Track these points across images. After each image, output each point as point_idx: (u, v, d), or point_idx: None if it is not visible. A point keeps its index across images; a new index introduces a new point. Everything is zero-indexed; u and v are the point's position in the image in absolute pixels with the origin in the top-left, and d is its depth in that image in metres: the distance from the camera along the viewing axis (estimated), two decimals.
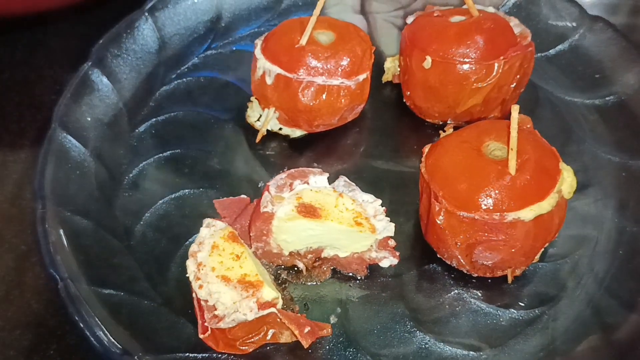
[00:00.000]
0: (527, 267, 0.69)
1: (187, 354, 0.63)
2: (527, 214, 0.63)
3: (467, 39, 0.77)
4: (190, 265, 0.63)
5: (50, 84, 0.95)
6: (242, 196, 0.75)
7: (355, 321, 0.67)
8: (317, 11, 0.78)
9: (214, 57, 0.94)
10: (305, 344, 0.61)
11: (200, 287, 0.61)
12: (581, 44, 0.90)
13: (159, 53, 0.91)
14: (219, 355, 0.63)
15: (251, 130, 0.84)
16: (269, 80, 0.79)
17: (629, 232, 0.72)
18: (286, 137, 0.83)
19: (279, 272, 0.70)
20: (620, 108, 0.83)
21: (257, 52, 0.81)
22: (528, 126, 0.71)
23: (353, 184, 0.70)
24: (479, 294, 0.69)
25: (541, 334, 0.66)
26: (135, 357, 0.59)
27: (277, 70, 0.78)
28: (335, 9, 0.98)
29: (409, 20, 0.85)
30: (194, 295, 0.62)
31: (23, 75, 0.96)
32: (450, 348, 0.65)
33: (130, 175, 0.79)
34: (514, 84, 0.79)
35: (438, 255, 0.71)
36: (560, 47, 0.91)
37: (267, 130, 0.83)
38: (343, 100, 0.79)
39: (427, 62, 0.78)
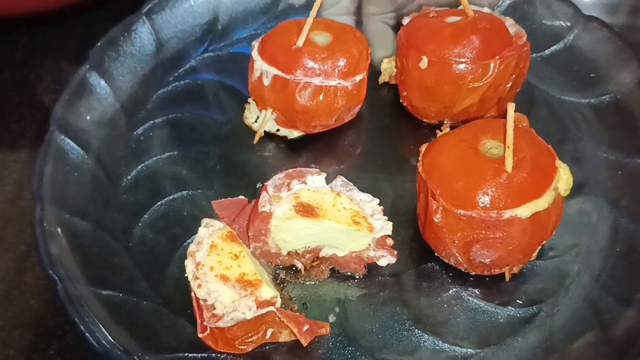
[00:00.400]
0: (525, 265, 0.70)
1: (187, 353, 0.63)
2: (524, 211, 0.63)
3: (463, 39, 0.77)
4: (189, 264, 0.63)
5: (50, 84, 0.95)
6: (240, 197, 0.75)
7: (353, 320, 0.67)
8: (313, 12, 0.78)
9: (211, 59, 0.94)
10: (304, 342, 0.61)
11: (199, 286, 0.61)
12: (576, 43, 0.90)
13: (156, 56, 0.91)
14: (218, 355, 0.63)
15: (249, 132, 0.84)
16: (266, 82, 0.79)
17: (625, 229, 0.73)
18: (284, 138, 0.84)
19: (277, 271, 0.70)
20: (615, 107, 0.84)
21: (254, 53, 0.81)
22: (524, 124, 0.71)
23: (350, 183, 0.70)
24: (477, 292, 0.69)
25: (539, 331, 0.66)
26: (135, 357, 0.59)
27: (274, 71, 0.78)
28: (331, 10, 0.99)
29: (405, 21, 0.85)
30: (192, 294, 0.62)
31: (23, 75, 0.97)
32: (449, 345, 0.65)
33: (129, 176, 0.79)
34: (510, 83, 0.79)
35: (436, 254, 0.71)
36: (555, 47, 0.91)
37: (265, 132, 0.83)
38: (340, 101, 0.79)
39: (424, 62, 0.78)
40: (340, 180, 0.71)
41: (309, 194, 0.68)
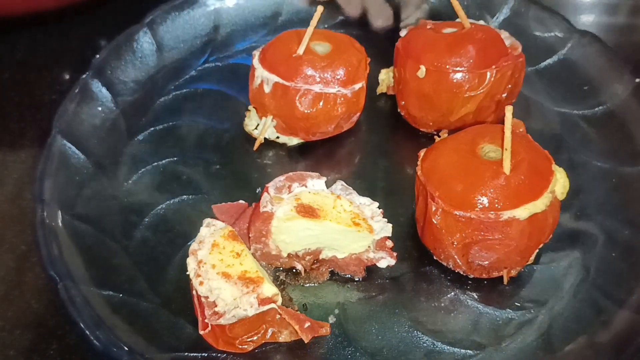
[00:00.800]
0: (523, 268, 0.70)
1: (187, 353, 0.63)
2: (522, 212, 0.64)
3: (459, 49, 0.79)
4: (191, 262, 0.63)
5: (50, 84, 0.96)
6: (240, 201, 0.76)
7: (353, 321, 0.67)
8: (313, 22, 0.80)
9: (212, 70, 0.96)
10: (306, 338, 0.62)
11: (201, 283, 0.61)
12: (569, 57, 0.92)
13: (157, 66, 0.93)
14: (219, 355, 0.63)
15: (249, 139, 0.85)
16: (267, 89, 0.80)
17: (621, 234, 0.74)
18: (283, 145, 0.85)
19: (277, 273, 0.71)
20: (609, 117, 0.85)
21: (255, 62, 0.82)
22: (521, 130, 0.73)
23: (350, 187, 0.71)
24: (475, 295, 0.70)
25: (537, 333, 0.66)
26: (135, 357, 0.59)
27: (275, 78, 0.80)
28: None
29: (403, 33, 0.87)
30: (193, 292, 0.63)
31: (23, 75, 0.97)
32: (448, 347, 0.65)
33: (129, 181, 0.80)
34: (506, 93, 0.81)
35: (435, 258, 0.72)
36: (549, 60, 0.93)
37: (265, 139, 0.84)
38: (339, 109, 0.80)
39: (421, 72, 0.80)
40: (340, 184, 0.72)
41: (310, 196, 0.69)
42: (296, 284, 0.70)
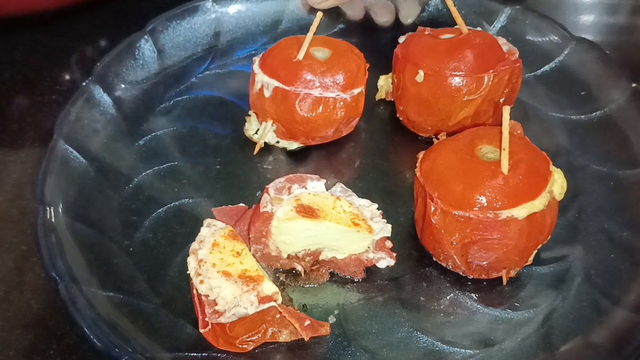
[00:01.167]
0: (521, 268, 0.71)
1: (187, 353, 0.63)
2: (521, 211, 0.65)
3: (457, 54, 0.80)
4: (191, 262, 0.63)
5: (50, 84, 0.96)
6: (241, 204, 0.76)
7: (353, 322, 0.67)
8: (313, 27, 0.81)
9: (213, 77, 0.97)
10: (306, 336, 0.62)
11: (202, 282, 0.61)
12: (566, 63, 0.93)
13: (158, 73, 0.94)
14: (219, 355, 0.63)
15: (249, 144, 0.86)
16: (267, 93, 0.81)
17: (619, 236, 0.74)
18: (283, 150, 0.85)
19: (277, 275, 0.71)
20: (606, 122, 0.86)
21: (256, 67, 0.83)
22: (519, 132, 0.74)
23: (350, 190, 0.72)
24: (475, 296, 0.70)
25: (536, 334, 0.66)
26: (135, 357, 0.60)
27: (275, 83, 0.80)
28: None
29: (401, 39, 0.88)
30: (194, 292, 0.63)
31: (23, 75, 0.98)
32: (448, 347, 0.65)
33: (130, 185, 0.80)
34: (503, 98, 0.82)
35: (434, 259, 0.72)
36: (546, 67, 0.94)
37: (265, 143, 0.85)
38: (339, 113, 0.81)
39: (420, 76, 0.81)
40: (339, 186, 0.72)
41: (310, 197, 0.70)
42: (296, 285, 0.70)
